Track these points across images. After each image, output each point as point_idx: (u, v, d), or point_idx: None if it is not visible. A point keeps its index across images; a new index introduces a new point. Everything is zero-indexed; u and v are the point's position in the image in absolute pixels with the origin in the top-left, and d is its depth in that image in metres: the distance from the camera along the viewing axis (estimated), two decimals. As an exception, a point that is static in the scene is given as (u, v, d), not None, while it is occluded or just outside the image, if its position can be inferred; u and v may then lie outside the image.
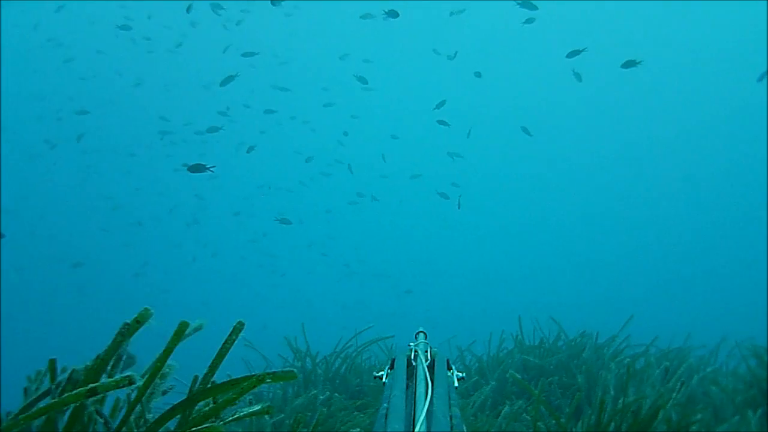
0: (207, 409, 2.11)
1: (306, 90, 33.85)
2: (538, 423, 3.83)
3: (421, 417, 1.37)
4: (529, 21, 14.79)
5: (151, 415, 2.24)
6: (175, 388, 2.45)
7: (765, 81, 15.67)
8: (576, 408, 3.99)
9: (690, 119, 40.05)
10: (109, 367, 2.09)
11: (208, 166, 8.68)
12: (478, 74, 19.80)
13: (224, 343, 2.10)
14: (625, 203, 40.06)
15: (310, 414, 5.59)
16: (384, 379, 1.90)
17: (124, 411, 2.22)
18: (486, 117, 38.40)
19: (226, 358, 2.16)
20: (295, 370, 1.89)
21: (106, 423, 2.10)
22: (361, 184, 30.41)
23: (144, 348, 2.36)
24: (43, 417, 2.00)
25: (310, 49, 37.94)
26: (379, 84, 23.46)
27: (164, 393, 2.49)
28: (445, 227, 37.47)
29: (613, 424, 3.43)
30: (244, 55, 18.40)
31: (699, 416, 3.53)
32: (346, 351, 7.04)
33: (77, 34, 33.12)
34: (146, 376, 2.05)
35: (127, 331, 1.96)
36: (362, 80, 18.16)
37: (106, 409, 2.25)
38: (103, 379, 1.87)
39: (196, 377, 2.21)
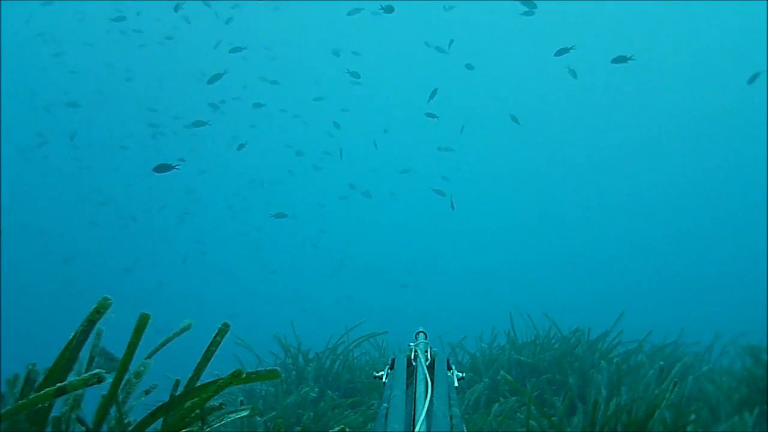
0: (191, 413, 2.06)
1: (296, 84, 33.75)
2: (531, 422, 3.79)
3: (421, 417, 1.37)
4: (528, 13, 14.67)
5: (134, 417, 2.19)
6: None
7: (765, 77, 15.65)
8: (569, 406, 3.94)
9: (686, 113, 40.07)
10: (83, 369, 2.04)
11: (173, 165, 8.64)
12: (469, 66, 19.71)
13: (209, 346, 2.05)
14: (621, 198, 40.13)
15: (301, 412, 5.53)
16: (384, 379, 1.89)
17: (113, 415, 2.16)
18: (478, 110, 38.33)
19: (218, 356, 2.12)
20: (278, 369, 1.83)
21: (87, 430, 2.04)
22: (353, 177, 30.37)
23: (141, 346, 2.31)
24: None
25: (301, 43, 37.76)
26: (370, 77, 23.34)
27: (147, 392, 2.44)
28: (438, 221, 37.43)
29: (607, 426, 3.39)
30: (232, 51, 18.28)
31: (693, 416, 3.49)
32: (339, 347, 6.98)
33: (67, 27, 32.88)
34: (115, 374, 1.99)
35: (89, 325, 1.89)
36: (354, 75, 18.06)
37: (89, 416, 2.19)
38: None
39: (177, 381, 2.16)
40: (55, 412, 2.02)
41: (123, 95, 33.95)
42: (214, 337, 2.06)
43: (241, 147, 17.66)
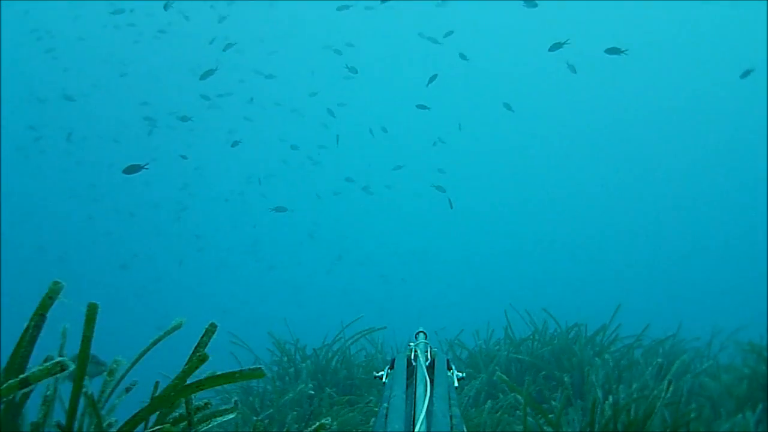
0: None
1: (292, 78, 33.67)
2: (529, 419, 3.76)
3: (421, 417, 1.38)
4: (530, 5, 14.57)
5: (116, 418, 2.15)
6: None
7: (762, 74, 15.66)
8: (566, 403, 3.90)
9: (682, 104, 40.01)
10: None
11: (142, 165, 8.69)
12: (463, 56, 19.64)
13: (196, 347, 2.01)
14: (616, 190, 40.15)
15: (299, 409, 5.49)
16: (384, 379, 1.90)
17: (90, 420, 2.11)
18: (473, 101, 38.25)
19: (215, 353, 2.08)
20: (262, 367, 1.79)
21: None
22: (349, 170, 30.33)
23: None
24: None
25: (296, 36, 37.62)
26: (365, 70, 23.28)
27: (128, 390, 2.40)
28: (435, 215, 37.36)
29: (607, 426, 3.35)
30: (225, 48, 18.25)
31: (693, 415, 3.45)
32: (336, 343, 6.94)
33: (60, 22, 32.74)
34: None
35: (41, 316, 1.84)
36: (352, 69, 17.98)
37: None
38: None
39: (156, 383, 2.11)
40: (32, 418, 1.98)
41: (118, 90, 33.83)
42: (201, 338, 2.01)
43: (235, 144, 17.61)
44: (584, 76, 30.25)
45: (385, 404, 1.53)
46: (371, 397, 5.67)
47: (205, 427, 2.10)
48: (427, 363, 1.89)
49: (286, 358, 6.81)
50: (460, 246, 38.31)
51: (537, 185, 41.00)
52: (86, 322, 1.92)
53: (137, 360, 2.46)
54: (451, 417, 1.49)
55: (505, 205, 41.07)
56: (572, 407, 4.73)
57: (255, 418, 4.97)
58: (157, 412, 2.06)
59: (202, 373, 2.03)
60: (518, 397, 3.92)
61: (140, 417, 1.96)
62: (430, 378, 1.70)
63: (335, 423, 4.93)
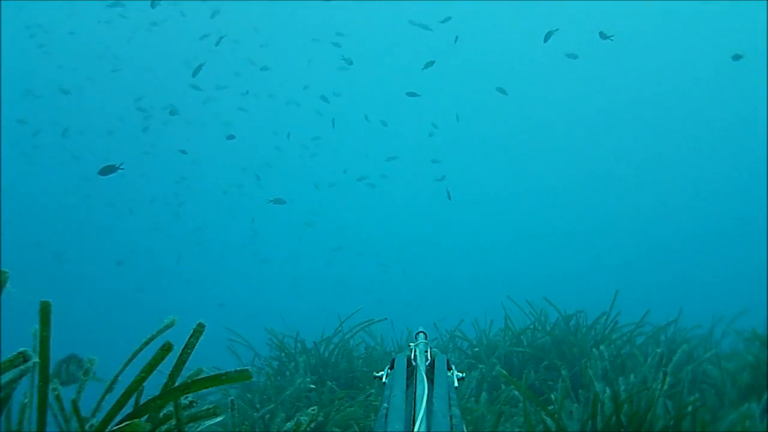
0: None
1: (286, 69, 33.57)
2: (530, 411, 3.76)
3: (421, 417, 1.39)
4: None
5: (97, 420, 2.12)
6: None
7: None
8: (566, 395, 3.89)
9: (683, 94, 39.86)
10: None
11: (117, 166, 8.68)
12: (456, 39, 19.54)
13: (184, 348, 1.98)
14: (614, 178, 40.10)
15: (299, 404, 5.47)
16: (384, 379, 1.90)
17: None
18: (470, 90, 38.09)
19: (209, 345, 2.06)
20: (249, 368, 1.78)
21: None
22: (345, 161, 30.33)
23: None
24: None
25: (290, 27, 37.39)
26: (357, 59, 23.21)
27: (109, 390, 2.38)
28: (432, 205, 37.30)
29: (611, 420, 3.34)
30: (217, 43, 18.19)
31: (696, 405, 3.43)
32: (336, 336, 6.92)
33: (53, 16, 32.55)
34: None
35: None
36: (348, 60, 17.92)
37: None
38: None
39: (141, 388, 2.07)
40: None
41: (112, 84, 33.66)
42: (189, 338, 1.99)
43: (231, 138, 17.55)
44: (584, 65, 30.22)
45: (385, 404, 1.54)
46: (372, 390, 5.65)
47: (195, 428, 2.08)
48: (427, 363, 1.90)
49: (284, 354, 6.78)
50: (459, 236, 38.31)
51: (536, 174, 40.93)
52: (41, 322, 1.90)
53: (130, 360, 2.43)
54: (451, 417, 1.49)
55: (504, 194, 41.03)
56: (575, 398, 4.71)
57: (255, 414, 4.94)
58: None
59: (197, 365, 2.00)
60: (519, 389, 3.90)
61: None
62: (429, 378, 1.73)
63: (338, 416, 4.91)
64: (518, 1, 36.37)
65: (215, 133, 30.26)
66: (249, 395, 5.44)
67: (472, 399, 5.10)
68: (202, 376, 1.85)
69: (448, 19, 20.26)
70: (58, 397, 2.04)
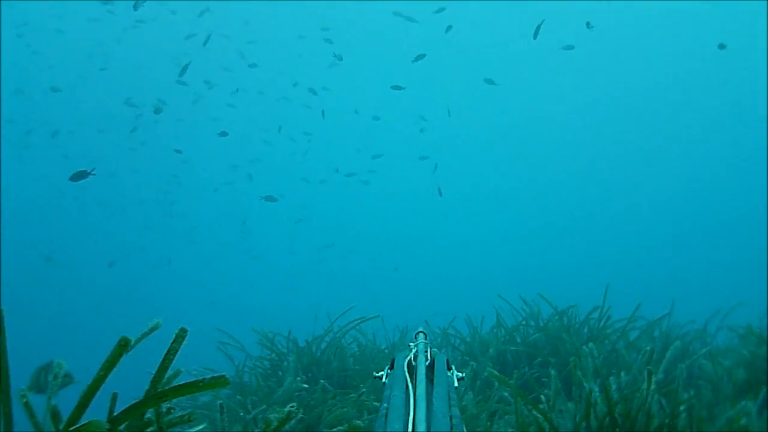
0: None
1: (275, 66, 33.47)
2: (523, 409, 3.75)
3: (421, 417, 1.40)
4: None
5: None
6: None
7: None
8: (556, 395, 3.87)
9: (676, 91, 39.78)
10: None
11: (89, 171, 8.68)
12: (449, 28, 19.44)
13: (166, 354, 1.94)
14: (610, 175, 40.08)
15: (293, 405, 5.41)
16: (384, 379, 1.91)
17: None
18: (462, 84, 37.93)
19: (201, 346, 2.01)
20: (225, 375, 1.76)
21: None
22: (336, 159, 30.26)
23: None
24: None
25: (279, 24, 37.18)
26: (347, 56, 23.12)
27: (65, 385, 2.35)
28: (423, 201, 37.24)
29: (606, 419, 3.32)
30: (205, 43, 18.15)
31: (691, 402, 3.41)
32: (329, 334, 6.87)
33: (38, 14, 32.34)
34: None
35: None
36: (338, 57, 17.88)
37: None
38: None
39: (114, 395, 2.03)
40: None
41: (101, 82, 33.48)
42: (171, 344, 1.96)
43: (223, 134, 17.46)
44: (578, 58, 30.12)
45: (385, 404, 1.55)
46: (364, 389, 5.62)
47: (182, 432, 2.05)
48: (427, 363, 1.91)
49: (275, 355, 6.73)
50: (452, 231, 38.30)
51: (528, 168, 40.91)
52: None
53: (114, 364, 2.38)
54: (451, 417, 1.50)
55: (497, 188, 41.01)
56: (569, 395, 4.69)
57: (247, 416, 4.89)
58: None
59: (189, 365, 1.94)
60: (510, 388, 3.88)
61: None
62: (429, 378, 1.77)
63: (330, 416, 4.87)
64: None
65: (206, 131, 30.15)
66: (240, 397, 5.38)
67: (468, 395, 5.07)
68: (179, 378, 1.82)
69: (441, 9, 20.21)
70: (27, 404, 1.99)
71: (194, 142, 33.28)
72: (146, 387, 2.10)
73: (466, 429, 1.53)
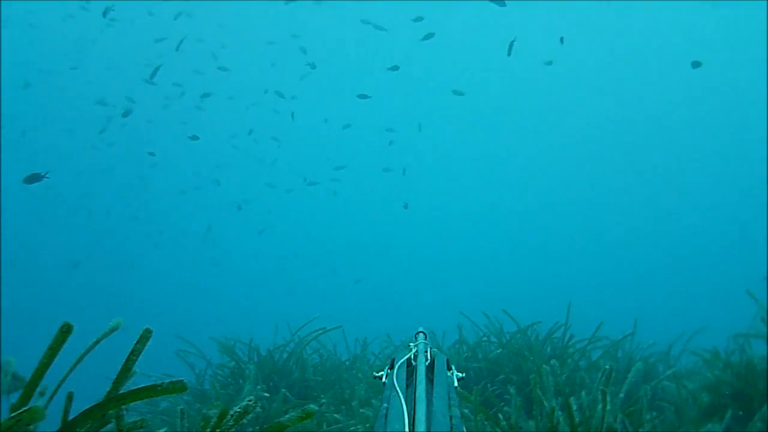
0: None
1: (245, 71, 33.29)
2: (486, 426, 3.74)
3: (422, 417, 1.39)
4: (500, 4, 14.60)
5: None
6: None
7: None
8: (518, 415, 3.87)
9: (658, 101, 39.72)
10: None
11: (43, 174, 8.66)
12: (430, 35, 19.43)
13: (129, 356, 1.89)
14: (583, 193, 40.22)
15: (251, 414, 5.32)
16: (384, 379, 1.90)
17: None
18: (429, 95, 37.79)
19: (162, 351, 1.97)
20: (184, 380, 1.74)
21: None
22: (303, 167, 30.19)
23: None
24: None
25: (250, 29, 36.92)
26: (320, 63, 23.04)
27: (41, 394, 2.28)
28: (388, 213, 37.14)
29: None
30: (177, 47, 18.08)
31: (655, 422, 3.42)
32: (290, 344, 6.81)
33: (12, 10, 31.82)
34: None
35: None
36: (311, 65, 17.91)
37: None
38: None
39: (70, 393, 1.97)
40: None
41: (72, 81, 32.98)
42: (135, 345, 1.90)
43: (194, 138, 17.32)
44: (572, 75, 30.12)
45: (385, 404, 1.55)
46: (324, 399, 5.58)
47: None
48: (426, 363, 1.90)
49: (234, 363, 6.64)
50: (416, 245, 38.26)
51: (495, 186, 40.97)
52: None
53: (73, 367, 2.31)
54: (451, 417, 1.51)
55: (462, 204, 40.99)
56: (530, 414, 4.68)
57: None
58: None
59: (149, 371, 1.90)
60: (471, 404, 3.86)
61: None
62: (429, 378, 1.76)
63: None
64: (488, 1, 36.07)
65: (176, 133, 29.83)
66: (198, 404, 5.29)
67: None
68: (134, 379, 1.78)
69: (420, 18, 20.22)
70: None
71: (163, 144, 32.92)
72: (103, 391, 2.05)
73: None
